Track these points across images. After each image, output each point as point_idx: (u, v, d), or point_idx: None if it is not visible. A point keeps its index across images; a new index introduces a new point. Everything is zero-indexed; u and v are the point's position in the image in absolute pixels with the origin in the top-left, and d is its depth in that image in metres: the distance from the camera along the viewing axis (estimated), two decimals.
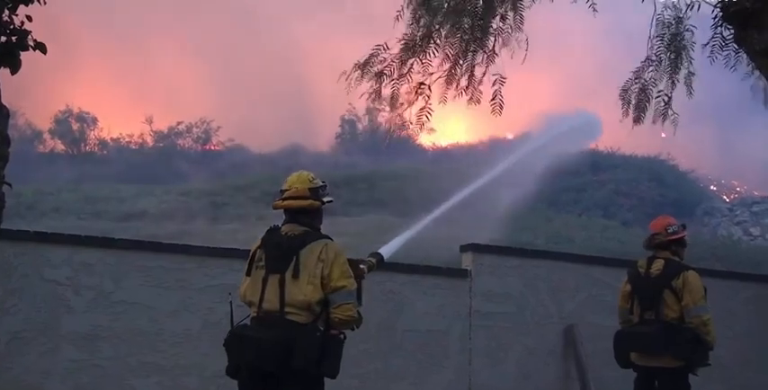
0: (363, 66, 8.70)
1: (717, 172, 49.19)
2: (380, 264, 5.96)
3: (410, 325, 8.41)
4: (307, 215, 5.43)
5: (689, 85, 8.74)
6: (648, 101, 8.74)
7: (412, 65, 8.72)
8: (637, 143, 40.18)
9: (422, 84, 8.75)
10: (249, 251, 5.51)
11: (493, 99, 8.60)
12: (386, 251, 6.27)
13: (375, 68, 8.70)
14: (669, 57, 8.69)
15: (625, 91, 8.77)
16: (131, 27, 54.79)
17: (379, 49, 8.65)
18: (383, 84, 8.79)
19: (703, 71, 9.02)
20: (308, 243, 5.25)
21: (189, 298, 7.54)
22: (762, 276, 11.71)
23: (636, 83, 8.75)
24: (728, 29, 7.79)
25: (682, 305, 6.67)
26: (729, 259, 27.00)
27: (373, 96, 8.85)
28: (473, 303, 8.72)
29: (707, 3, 8.03)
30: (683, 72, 8.73)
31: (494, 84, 8.57)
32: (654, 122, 8.81)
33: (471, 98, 8.88)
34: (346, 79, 8.68)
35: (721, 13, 7.65)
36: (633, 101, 8.77)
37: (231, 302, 5.39)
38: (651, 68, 8.72)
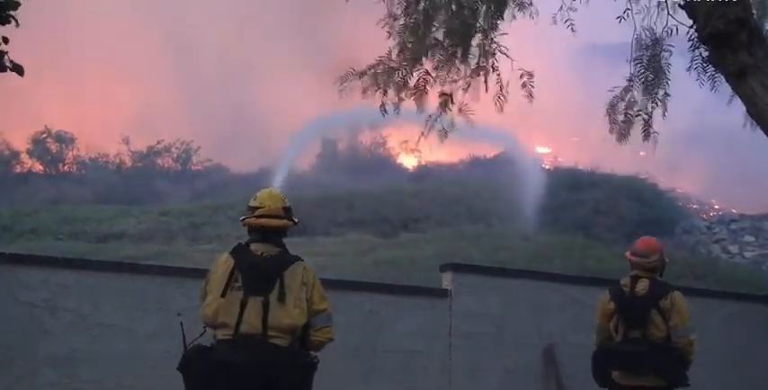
0: (375, 76, 8.81)
1: (696, 191, 49.56)
2: None
3: (389, 346, 8.38)
4: (279, 234, 5.40)
5: (663, 103, 8.89)
6: (632, 120, 8.92)
7: (422, 76, 8.91)
8: (616, 161, 40.59)
9: (443, 93, 8.93)
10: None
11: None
12: None
13: (382, 78, 8.84)
14: (647, 78, 8.82)
15: (612, 107, 8.92)
16: (110, 46, 54.66)
17: (383, 60, 8.81)
18: (402, 94, 8.94)
19: (681, 90, 9.14)
20: (288, 266, 5.23)
21: (168, 320, 7.48)
22: (740, 294, 11.77)
23: (621, 101, 8.91)
24: (707, 50, 7.89)
25: (669, 326, 6.69)
26: (708, 277, 27.15)
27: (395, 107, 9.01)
28: (453, 323, 8.70)
29: (682, 24, 8.14)
30: (661, 92, 8.88)
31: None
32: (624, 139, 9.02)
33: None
34: (341, 83, 8.78)
35: (696, 35, 7.74)
36: (621, 120, 8.93)
37: (182, 323, 5.30)
38: (633, 88, 8.88)
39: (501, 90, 9.02)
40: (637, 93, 8.90)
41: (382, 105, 9.00)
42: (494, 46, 8.92)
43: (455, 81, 9.00)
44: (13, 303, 7.01)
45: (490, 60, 8.92)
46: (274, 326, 5.09)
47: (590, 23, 9.52)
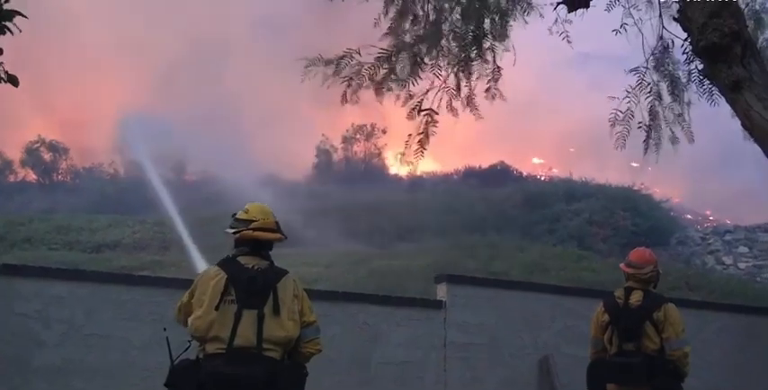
0: (336, 66, 8.73)
1: (690, 201, 49.68)
2: None
3: (384, 357, 8.36)
4: (268, 248, 5.38)
5: (687, 108, 8.98)
6: (661, 129, 8.97)
7: (385, 75, 8.86)
8: (611, 172, 40.66)
9: (423, 107, 8.89)
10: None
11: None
12: None
13: (346, 71, 8.77)
14: (669, 86, 8.90)
15: (629, 118, 8.95)
16: (104, 55, 54.72)
17: (351, 53, 8.74)
18: (356, 90, 8.89)
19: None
20: (280, 278, 5.21)
21: (161, 331, 7.44)
22: (734, 306, 11.78)
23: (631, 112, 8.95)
24: (701, 63, 7.91)
25: (663, 338, 6.69)
26: (702, 288, 27.12)
27: (344, 99, 8.94)
28: (448, 334, 8.69)
29: (677, 37, 8.17)
30: (665, 101, 8.95)
31: (487, 88, 8.84)
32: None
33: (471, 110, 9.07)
34: (305, 67, 8.66)
35: (691, 49, 7.76)
36: (645, 130, 8.98)
37: (168, 338, 5.24)
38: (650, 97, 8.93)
39: (470, 98, 9.03)
40: (658, 102, 8.95)
41: (344, 96, 8.94)
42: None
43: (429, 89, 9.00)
44: (8, 314, 6.99)
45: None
46: (269, 339, 5.05)
47: (584, 34, 9.56)
